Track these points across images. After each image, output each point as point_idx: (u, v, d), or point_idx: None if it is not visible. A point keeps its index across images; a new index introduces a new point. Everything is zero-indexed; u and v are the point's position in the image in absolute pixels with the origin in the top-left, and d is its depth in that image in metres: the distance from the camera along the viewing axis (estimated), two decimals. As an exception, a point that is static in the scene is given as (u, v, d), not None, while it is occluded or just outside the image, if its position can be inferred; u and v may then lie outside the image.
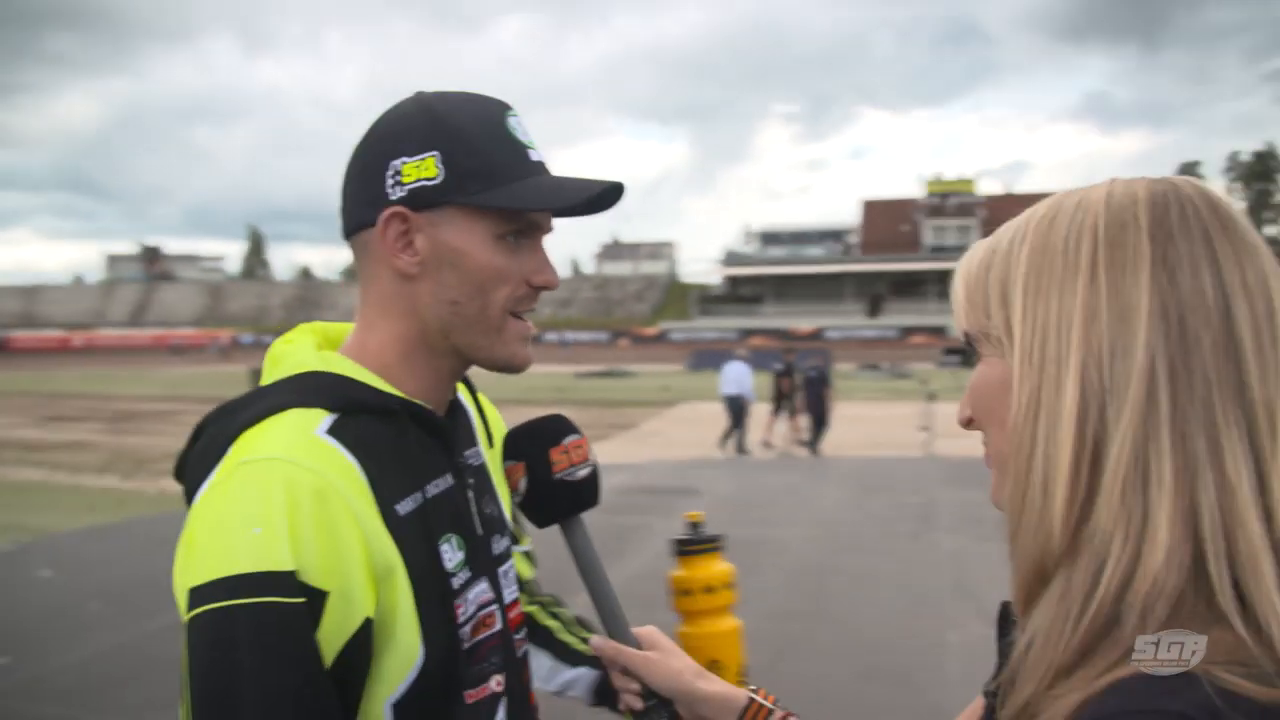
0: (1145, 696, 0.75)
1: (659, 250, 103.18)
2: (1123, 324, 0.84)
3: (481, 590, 1.27)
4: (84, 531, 10.24)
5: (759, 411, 18.28)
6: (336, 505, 1.10)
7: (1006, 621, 1.02)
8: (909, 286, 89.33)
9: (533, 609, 1.64)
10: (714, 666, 1.38)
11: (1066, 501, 0.84)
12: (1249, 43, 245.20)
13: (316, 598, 1.06)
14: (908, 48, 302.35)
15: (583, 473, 1.34)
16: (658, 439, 19.50)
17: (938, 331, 66.33)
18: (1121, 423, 0.82)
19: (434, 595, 1.18)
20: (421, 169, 1.21)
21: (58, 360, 68.63)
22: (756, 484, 13.55)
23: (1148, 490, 0.81)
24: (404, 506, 1.18)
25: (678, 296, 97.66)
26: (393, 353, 1.27)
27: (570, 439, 1.35)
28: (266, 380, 1.26)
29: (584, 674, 1.60)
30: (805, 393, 17.72)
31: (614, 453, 16.24)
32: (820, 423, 17.55)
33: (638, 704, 1.32)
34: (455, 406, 1.38)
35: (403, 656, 1.14)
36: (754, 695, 1.31)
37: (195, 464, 1.20)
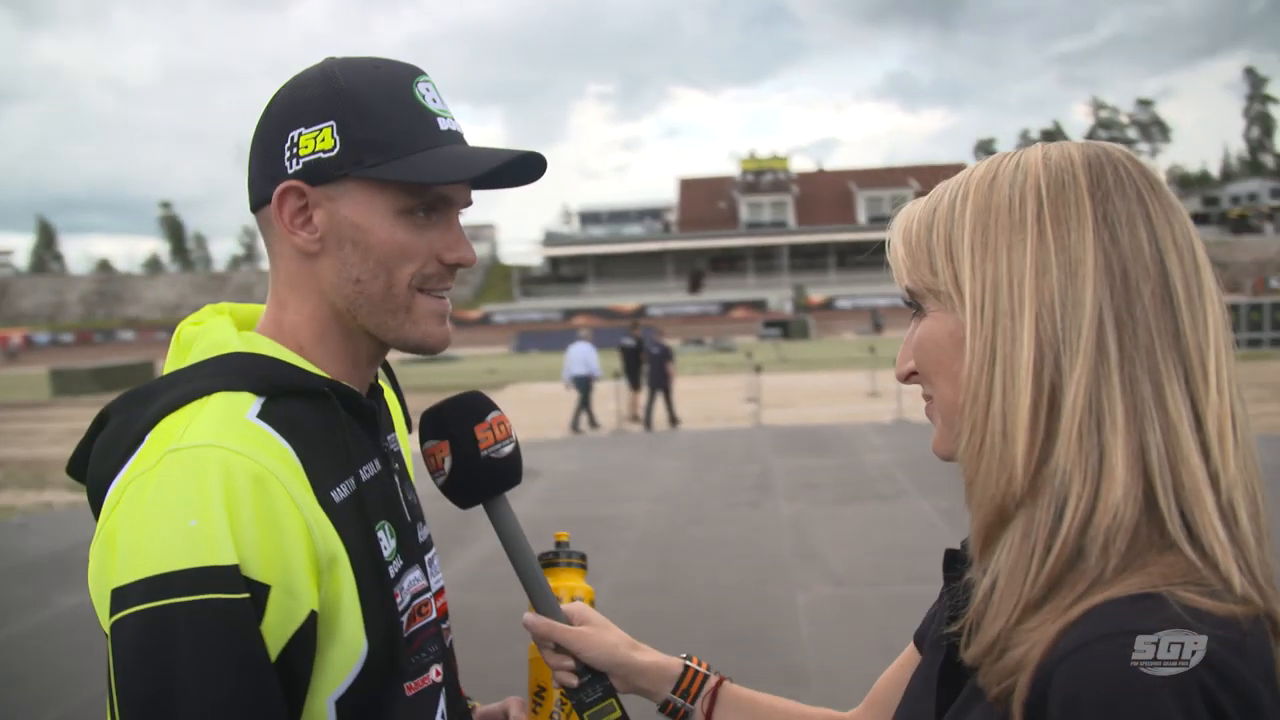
0: (1122, 618, 0.81)
1: (478, 232, 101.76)
2: (1072, 278, 0.90)
3: (415, 579, 1.23)
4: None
5: (618, 389, 18.64)
6: (277, 493, 1.04)
7: (953, 568, 1.07)
8: (728, 262, 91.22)
9: None
10: None
11: (1027, 445, 0.89)
12: (1036, 27, 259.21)
13: (260, 592, 1.01)
14: (719, 28, 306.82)
15: (508, 449, 1.31)
16: (491, 423, 19.27)
17: (757, 305, 67.95)
18: (1076, 370, 0.88)
19: (374, 585, 1.12)
20: (318, 140, 1.15)
21: None
22: (597, 461, 13.64)
23: (1102, 432, 0.87)
24: (339, 493, 1.12)
25: (499, 278, 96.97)
26: (307, 333, 1.21)
27: (493, 415, 1.32)
28: (176, 364, 1.19)
29: None
30: (650, 367, 18.16)
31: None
32: (665, 396, 17.98)
33: (573, 680, 1.30)
34: (375, 390, 1.33)
35: (347, 650, 1.09)
36: (688, 663, 1.34)
37: (101, 457, 1.13)
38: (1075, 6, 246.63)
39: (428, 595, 1.26)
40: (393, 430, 1.35)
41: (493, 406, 1.33)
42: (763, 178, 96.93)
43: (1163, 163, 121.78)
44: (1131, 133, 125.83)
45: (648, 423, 18.01)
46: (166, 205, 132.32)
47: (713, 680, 1.34)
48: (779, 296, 73.65)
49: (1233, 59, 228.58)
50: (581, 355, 17.98)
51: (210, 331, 1.19)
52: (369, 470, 1.19)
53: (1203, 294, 0.91)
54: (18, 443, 18.92)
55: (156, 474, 1.03)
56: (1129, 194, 0.92)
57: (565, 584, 1.40)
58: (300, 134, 1.16)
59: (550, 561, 1.42)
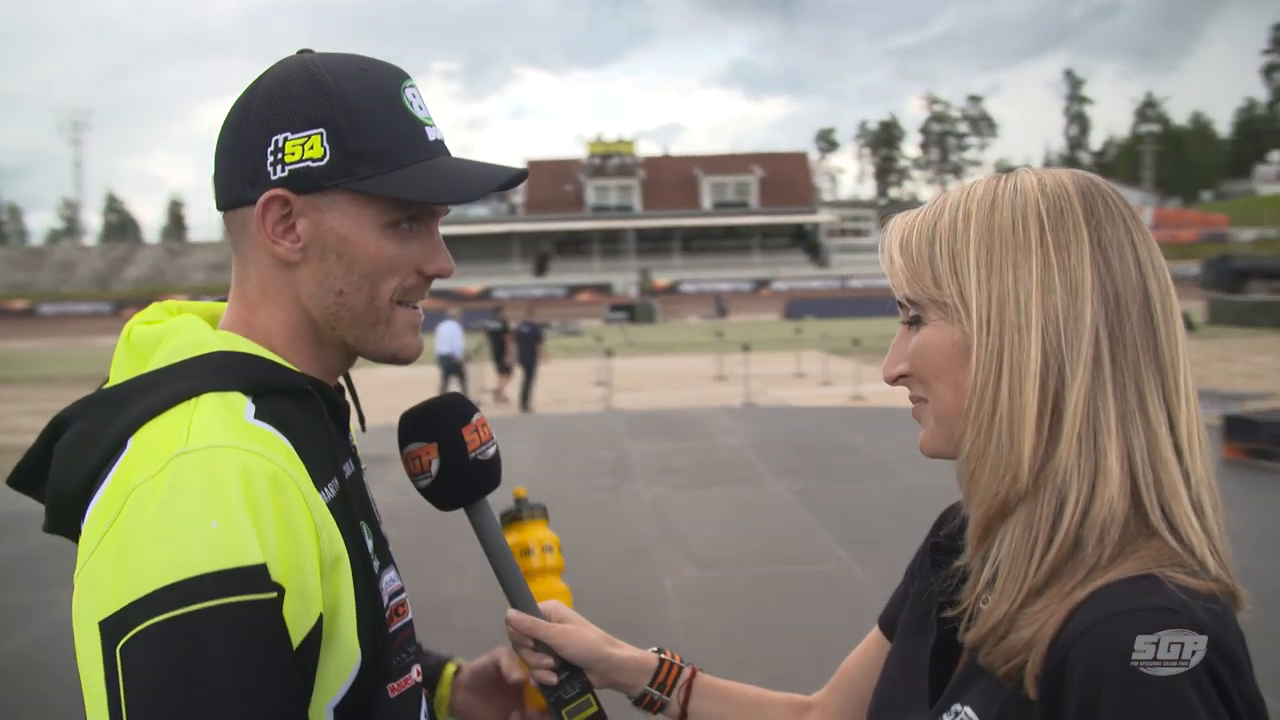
0: (1127, 598, 0.91)
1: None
2: (1074, 297, 1.00)
3: (391, 579, 1.21)
4: None
5: (481, 372, 18.65)
6: (292, 493, 1.02)
7: (938, 558, 1.17)
8: (574, 245, 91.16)
9: None
10: None
11: (1033, 447, 0.99)
12: (874, 21, 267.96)
13: (279, 595, 0.97)
14: (567, 9, 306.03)
15: (491, 451, 1.32)
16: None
17: (603, 289, 68.20)
18: (1076, 380, 0.98)
19: (365, 586, 1.11)
20: (307, 148, 1.11)
21: None
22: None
23: (1098, 435, 0.98)
24: (327, 493, 1.10)
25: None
26: (279, 338, 1.18)
27: (477, 417, 1.32)
28: (134, 366, 1.13)
29: None
30: (520, 347, 18.22)
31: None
32: (530, 377, 18.02)
33: (552, 678, 1.32)
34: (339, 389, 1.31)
35: (344, 653, 1.07)
36: (663, 656, 1.38)
37: (67, 466, 1.07)
38: (910, 3, 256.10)
39: (403, 595, 1.25)
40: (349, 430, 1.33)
41: (475, 408, 1.33)
42: (609, 161, 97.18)
43: (990, 156, 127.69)
44: (962, 127, 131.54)
45: (525, 404, 18.01)
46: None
47: (687, 672, 1.39)
48: (625, 280, 74.13)
49: (1054, 60, 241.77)
50: (448, 334, 17.91)
51: (182, 330, 1.13)
52: (348, 469, 1.18)
53: (1173, 313, 1.03)
54: None
55: (165, 478, 0.98)
56: (1117, 222, 1.03)
57: (534, 535, 1.45)
58: (286, 139, 1.12)
59: (515, 516, 1.45)
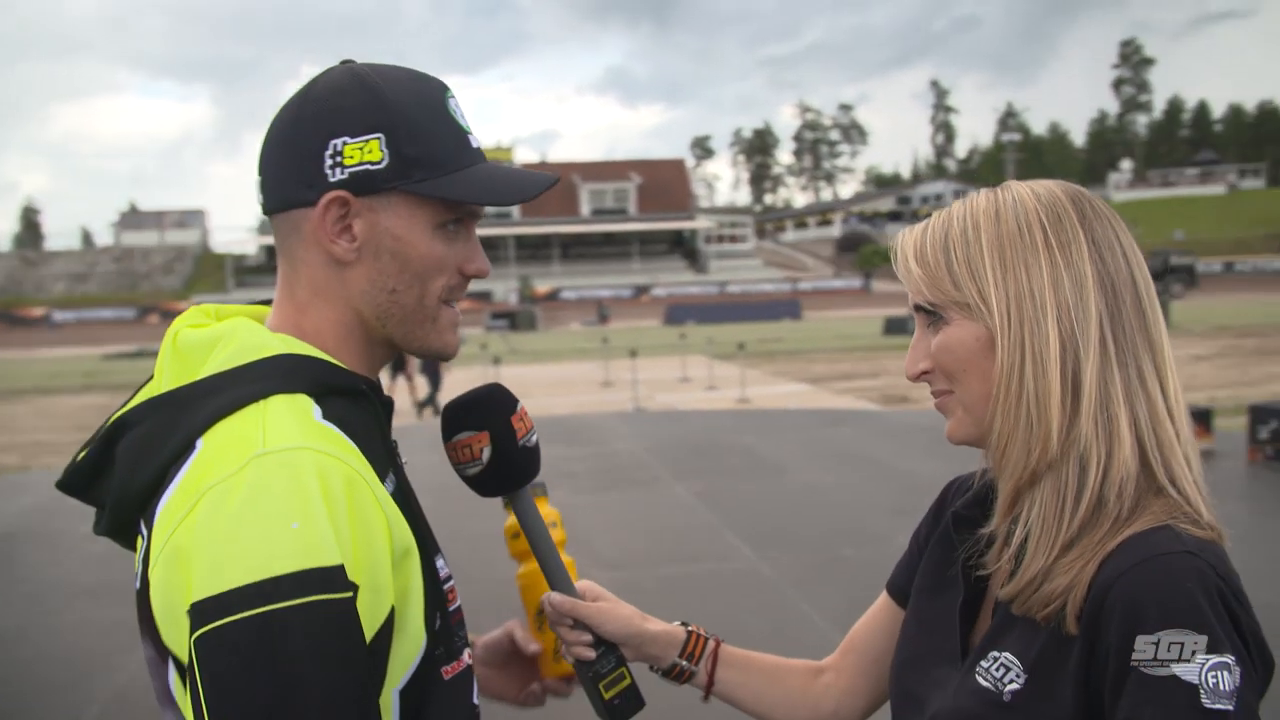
0: (1152, 545, 1.07)
1: (187, 218, 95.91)
2: (1079, 289, 1.15)
3: (442, 565, 1.26)
4: None
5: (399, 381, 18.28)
6: (364, 493, 1.06)
7: (960, 526, 1.31)
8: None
9: None
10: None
11: (1060, 422, 1.13)
12: (747, 30, 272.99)
13: (355, 593, 1.01)
14: (441, 14, 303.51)
15: (535, 439, 1.38)
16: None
17: (484, 296, 67.64)
18: (1089, 360, 1.13)
19: (430, 573, 1.16)
20: (365, 152, 1.16)
21: None
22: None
23: (1110, 407, 1.13)
24: (389, 485, 1.15)
25: (212, 267, 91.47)
26: (331, 337, 1.22)
27: (520, 406, 1.37)
28: (188, 370, 1.15)
29: None
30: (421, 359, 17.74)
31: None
32: (435, 383, 17.77)
33: (589, 654, 1.40)
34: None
35: (412, 640, 1.11)
36: (690, 628, 1.48)
37: (133, 466, 1.10)
38: (782, 12, 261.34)
39: (452, 581, 1.30)
40: None
41: (516, 399, 1.38)
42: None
43: (861, 164, 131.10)
44: (834, 134, 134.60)
45: (435, 408, 17.65)
46: None
47: (712, 643, 1.49)
48: (505, 288, 73.66)
49: (920, 70, 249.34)
50: None
51: (240, 333, 1.17)
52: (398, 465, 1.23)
53: (1154, 297, 1.19)
54: None
55: (245, 478, 1.01)
56: (1105, 223, 1.19)
57: (545, 512, 1.49)
58: (345, 143, 1.17)
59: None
